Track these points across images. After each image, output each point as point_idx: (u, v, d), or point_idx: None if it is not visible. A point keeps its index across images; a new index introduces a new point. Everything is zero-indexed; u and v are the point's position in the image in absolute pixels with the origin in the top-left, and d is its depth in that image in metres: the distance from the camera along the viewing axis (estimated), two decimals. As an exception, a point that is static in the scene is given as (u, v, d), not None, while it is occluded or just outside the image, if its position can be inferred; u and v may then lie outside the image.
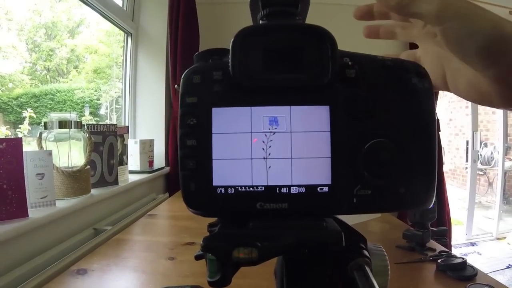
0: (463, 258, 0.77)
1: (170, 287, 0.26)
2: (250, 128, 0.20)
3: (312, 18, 0.23)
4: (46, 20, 2.94)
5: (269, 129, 0.19)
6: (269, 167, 0.19)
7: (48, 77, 3.21)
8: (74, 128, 1.04)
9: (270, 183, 0.19)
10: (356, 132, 0.20)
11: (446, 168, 5.67)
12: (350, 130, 0.20)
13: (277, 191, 0.19)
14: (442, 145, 5.38)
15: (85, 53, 3.23)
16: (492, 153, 4.21)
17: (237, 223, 0.20)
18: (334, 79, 0.20)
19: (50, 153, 0.92)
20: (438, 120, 2.21)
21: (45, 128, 1.02)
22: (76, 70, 3.25)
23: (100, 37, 3.13)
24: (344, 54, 0.21)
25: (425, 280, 0.75)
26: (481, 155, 4.47)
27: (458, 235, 2.93)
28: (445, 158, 5.69)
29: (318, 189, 0.19)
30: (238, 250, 0.18)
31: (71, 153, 1.07)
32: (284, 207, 0.19)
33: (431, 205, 0.22)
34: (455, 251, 2.72)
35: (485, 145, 4.52)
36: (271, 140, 0.19)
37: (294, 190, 0.19)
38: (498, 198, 3.14)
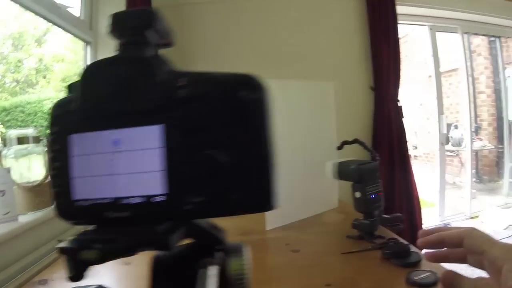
0: (407, 245, 0.77)
1: (79, 286, 0.30)
2: (99, 149, 0.23)
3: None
4: (12, 31, 2.87)
5: (114, 149, 0.23)
6: (115, 181, 0.23)
7: (17, 88, 3.14)
8: (32, 143, 1.05)
9: (116, 195, 0.23)
10: (189, 146, 0.23)
11: (420, 152, 5.79)
12: (184, 144, 0.23)
13: (121, 202, 0.23)
14: (415, 130, 5.49)
15: (53, 62, 3.17)
16: (462, 134, 4.36)
17: (101, 229, 0.24)
18: (164, 102, 0.23)
19: (8, 170, 0.94)
20: (400, 107, 2.29)
21: (5, 145, 1.03)
22: (45, 80, 3.19)
23: (67, 44, 3.08)
24: (180, 75, 0.24)
25: (369, 269, 0.75)
26: (451, 137, 4.62)
27: (432, 217, 3.04)
28: (418, 142, 5.82)
29: (156, 198, 0.23)
30: (85, 252, 0.21)
31: (35, 168, 1.08)
32: (126, 215, 0.23)
33: (274, 208, 0.25)
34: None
35: (456, 127, 4.67)
36: (115, 159, 0.23)
37: (134, 200, 0.23)
38: (469, 178, 3.27)
